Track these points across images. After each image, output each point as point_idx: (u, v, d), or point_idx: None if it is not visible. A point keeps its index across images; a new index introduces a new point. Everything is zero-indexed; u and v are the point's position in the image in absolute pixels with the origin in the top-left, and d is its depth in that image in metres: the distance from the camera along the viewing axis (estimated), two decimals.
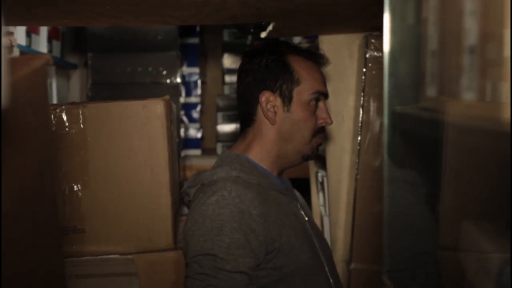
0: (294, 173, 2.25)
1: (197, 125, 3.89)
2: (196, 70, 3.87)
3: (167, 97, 1.90)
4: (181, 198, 1.80)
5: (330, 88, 2.38)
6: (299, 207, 1.80)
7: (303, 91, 1.74)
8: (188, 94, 3.87)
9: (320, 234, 1.87)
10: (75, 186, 1.85)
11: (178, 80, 3.56)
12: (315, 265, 1.71)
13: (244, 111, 1.79)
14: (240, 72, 1.80)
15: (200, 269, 1.54)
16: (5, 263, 0.70)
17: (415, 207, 1.57)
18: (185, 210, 2.99)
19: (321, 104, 1.78)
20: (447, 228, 1.33)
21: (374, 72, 2.26)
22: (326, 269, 1.75)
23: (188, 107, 3.87)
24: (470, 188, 1.03)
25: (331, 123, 1.81)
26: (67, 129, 1.84)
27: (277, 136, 1.75)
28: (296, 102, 1.74)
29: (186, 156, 3.76)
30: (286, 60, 1.76)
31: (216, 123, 3.95)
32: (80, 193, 1.85)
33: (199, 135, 3.87)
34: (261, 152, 1.76)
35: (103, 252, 1.84)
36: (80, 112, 1.85)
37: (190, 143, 3.86)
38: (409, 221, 1.46)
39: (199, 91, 3.87)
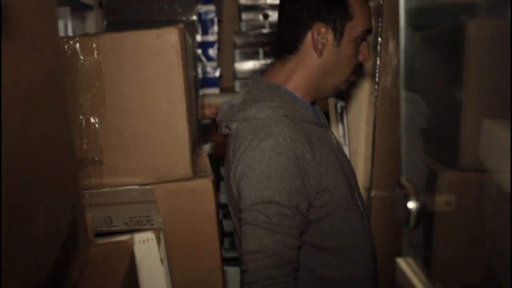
0: None
1: (214, 63, 3.85)
2: (212, 7, 3.81)
3: (181, 25, 1.86)
4: (217, 128, 1.86)
5: None
6: (331, 135, 1.85)
7: (354, 27, 1.76)
8: (205, 32, 3.82)
9: (347, 160, 1.93)
10: (91, 118, 1.84)
11: (194, 17, 3.52)
12: (351, 197, 1.77)
13: (289, 37, 1.79)
14: None
15: (264, 218, 1.59)
16: (12, 175, 0.69)
17: (432, 119, 1.58)
18: (205, 147, 2.95)
19: (364, 41, 1.82)
20: (468, 134, 1.31)
21: None
22: (356, 195, 1.82)
23: (205, 46, 3.83)
24: (495, 86, 1.00)
25: (370, 60, 1.87)
26: (81, 61, 1.82)
27: (320, 68, 1.76)
28: (347, 37, 1.75)
29: (204, 95, 3.74)
30: None
31: (233, 61, 3.91)
32: (97, 125, 1.84)
33: (217, 73, 3.84)
34: (301, 83, 1.78)
35: (122, 184, 1.84)
36: (94, 44, 1.83)
37: (208, 81, 3.83)
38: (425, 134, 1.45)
39: (216, 29, 3.82)
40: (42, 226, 0.77)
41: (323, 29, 1.74)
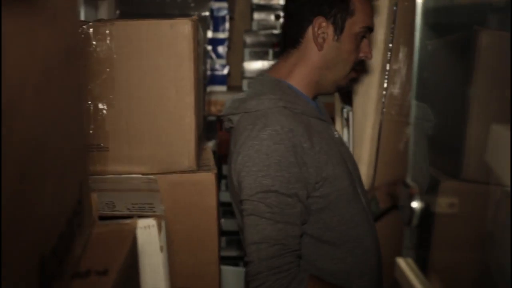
0: None
1: (223, 61, 3.85)
2: (224, 4, 3.81)
3: (195, 17, 1.87)
4: (220, 123, 1.86)
5: None
6: (333, 130, 1.88)
7: (355, 23, 1.80)
8: (216, 29, 3.83)
9: (350, 155, 1.96)
10: (100, 104, 1.84)
11: (207, 13, 3.53)
12: (353, 191, 1.79)
13: (292, 32, 1.84)
14: None
15: (265, 207, 1.61)
16: (24, 142, 0.70)
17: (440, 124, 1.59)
18: (209, 144, 2.96)
19: (365, 39, 1.85)
20: (473, 144, 1.32)
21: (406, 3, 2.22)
22: (359, 191, 1.84)
23: (216, 43, 3.83)
24: (503, 98, 1.01)
25: (371, 58, 1.91)
26: (93, 46, 1.82)
27: (321, 62, 1.81)
28: (347, 33, 1.79)
29: (211, 92, 3.75)
30: None
31: (242, 60, 3.92)
32: (105, 111, 1.84)
33: (225, 71, 3.84)
34: (302, 77, 1.82)
35: (125, 172, 1.83)
36: (108, 30, 1.83)
37: (216, 79, 3.84)
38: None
39: (227, 26, 3.82)
40: (50, 198, 0.77)
41: (323, 24, 1.78)
